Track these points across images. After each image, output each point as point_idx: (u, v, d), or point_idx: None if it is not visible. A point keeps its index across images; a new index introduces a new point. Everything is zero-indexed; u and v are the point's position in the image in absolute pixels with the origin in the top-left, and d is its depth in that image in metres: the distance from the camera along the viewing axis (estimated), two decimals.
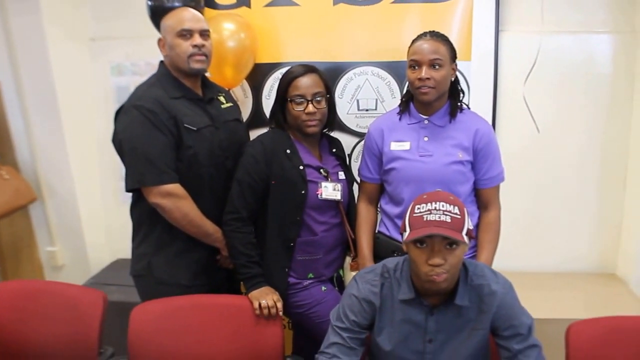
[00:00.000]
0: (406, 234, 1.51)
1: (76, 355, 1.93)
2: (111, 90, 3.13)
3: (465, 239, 1.47)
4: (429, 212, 1.48)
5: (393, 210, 2.02)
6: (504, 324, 1.59)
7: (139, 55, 3.02)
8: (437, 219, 1.46)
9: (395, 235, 2.01)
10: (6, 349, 2.01)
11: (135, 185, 1.90)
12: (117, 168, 3.22)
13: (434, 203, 1.50)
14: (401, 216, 1.81)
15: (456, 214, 1.48)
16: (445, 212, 1.47)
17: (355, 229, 2.09)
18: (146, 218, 2.00)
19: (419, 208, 1.51)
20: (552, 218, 2.97)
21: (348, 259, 2.16)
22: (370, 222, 2.10)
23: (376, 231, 2.11)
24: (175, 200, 1.89)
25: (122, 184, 3.30)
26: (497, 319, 1.59)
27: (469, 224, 1.50)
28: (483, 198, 2.01)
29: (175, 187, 1.89)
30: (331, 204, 2.01)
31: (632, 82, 2.78)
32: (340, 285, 2.17)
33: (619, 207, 2.94)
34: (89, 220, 3.26)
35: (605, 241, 2.98)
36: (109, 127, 3.21)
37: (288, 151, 1.97)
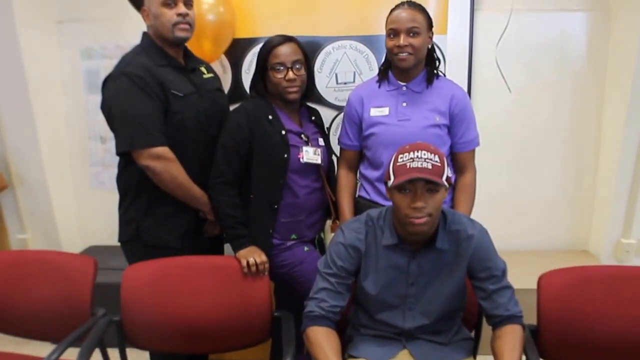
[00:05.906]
0: (390, 182, 1.60)
1: (69, 317, 1.96)
2: (81, 75, 3.12)
3: (445, 184, 1.59)
4: (411, 160, 1.57)
5: (372, 174, 2.11)
6: (479, 265, 1.70)
7: (108, 38, 2.99)
8: (420, 166, 1.55)
9: (375, 198, 2.11)
10: (2, 314, 2.04)
11: (126, 148, 1.91)
12: (86, 154, 3.24)
13: (416, 152, 1.59)
14: (380, 179, 1.92)
15: (437, 161, 1.57)
16: (427, 160, 1.56)
17: (336, 194, 2.18)
18: (133, 184, 2.03)
19: (402, 157, 1.60)
20: (527, 199, 3.15)
21: (329, 222, 2.26)
22: (351, 187, 2.19)
23: (356, 195, 2.21)
24: (165, 163, 1.92)
25: (93, 170, 3.32)
26: (473, 261, 1.70)
27: (448, 172, 1.60)
28: (459, 162, 2.11)
29: (165, 150, 1.92)
30: (312, 167, 2.09)
31: (605, 59, 2.92)
32: (321, 247, 2.26)
33: (591, 188, 3.11)
34: (60, 207, 3.25)
35: (578, 220, 3.19)
36: (79, 112, 3.25)
37: (270, 117, 2.03)
